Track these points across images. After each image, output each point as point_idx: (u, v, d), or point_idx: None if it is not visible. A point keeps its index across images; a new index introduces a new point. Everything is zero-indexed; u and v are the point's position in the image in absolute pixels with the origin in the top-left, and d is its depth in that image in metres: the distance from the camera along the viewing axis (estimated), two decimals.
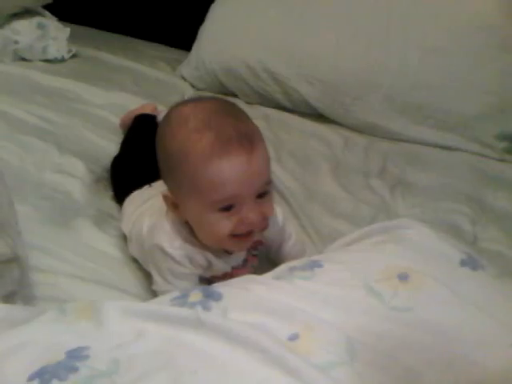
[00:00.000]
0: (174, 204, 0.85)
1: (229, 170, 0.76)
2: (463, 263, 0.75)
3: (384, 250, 0.77)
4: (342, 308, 0.65)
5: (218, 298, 0.66)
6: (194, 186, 0.79)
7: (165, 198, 0.86)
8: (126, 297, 0.88)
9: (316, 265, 0.74)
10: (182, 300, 0.67)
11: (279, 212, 0.94)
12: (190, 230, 0.85)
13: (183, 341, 0.60)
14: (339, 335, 0.60)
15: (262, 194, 0.81)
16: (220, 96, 1.70)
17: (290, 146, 1.52)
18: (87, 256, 1.01)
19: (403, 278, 0.70)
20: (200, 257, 0.85)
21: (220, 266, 0.88)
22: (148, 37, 2.07)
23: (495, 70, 1.57)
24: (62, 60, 1.77)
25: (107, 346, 0.59)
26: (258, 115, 1.65)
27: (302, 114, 1.68)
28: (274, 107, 1.71)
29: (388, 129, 1.62)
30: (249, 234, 0.81)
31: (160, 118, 1.28)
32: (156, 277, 0.86)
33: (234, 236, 0.81)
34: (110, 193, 1.20)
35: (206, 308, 0.65)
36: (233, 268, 0.90)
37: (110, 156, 1.27)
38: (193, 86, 1.77)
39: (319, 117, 1.67)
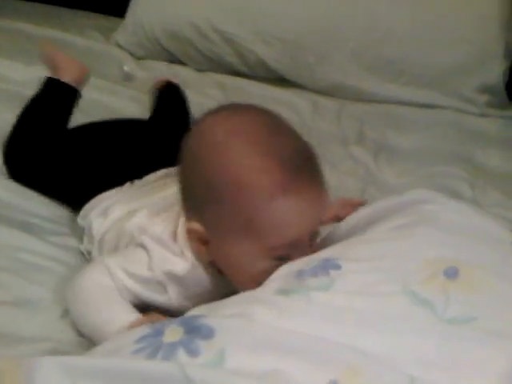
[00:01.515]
0: (202, 240, 0.65)
1: (297, 208, 0.60)
2: None
3: (415, 237, 0.58)
4: (386, 331, 0.46)
5: (207, 334, 0.45)
6: (249, 228, 0.61)
7: (190, 231, 0.65)
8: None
9: (331, 265, 0.54)
10: (154, 340, 0.46)
11: None
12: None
13: None
14: (397, 377, 0.41)
15: (315, 234, 0.66)
16: (166, 63, 1.52)
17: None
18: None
19: (452, 274, 0.52)
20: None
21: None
22: (74, 5, 1.82)
23: (472, 14, 1.45)
24: None
25: None
26: (212, 84, 1.50)
27: (262, 79, 1.53)
28: (228, 73, 1.54)
29: (359, 89, 1.50)
30: None
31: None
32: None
33: None
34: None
35: (193, 352, 0.44)
36: None
37: None
38: (131, 55, 1.56)
39: (281, 81, 1.52)
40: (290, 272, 0.56)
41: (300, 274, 0.55)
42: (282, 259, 0.60)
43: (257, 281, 0.59)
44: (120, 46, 1.57)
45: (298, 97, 1.45)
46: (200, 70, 1.52)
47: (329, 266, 0.55)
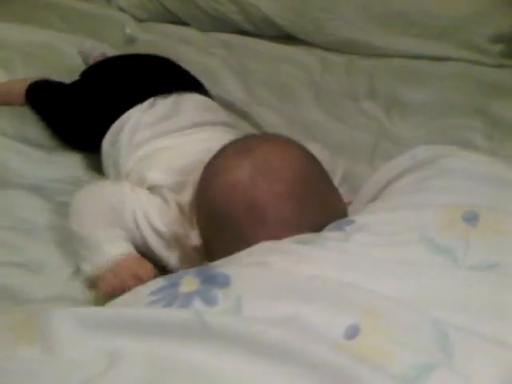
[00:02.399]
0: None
1: None
2: None
3: (432, 188, 0.56)
4: (404, 275, 0.44)
5: (223, 283, 0.44)
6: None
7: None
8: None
9: (344, 223, 0.53)
10: (170, 292, 0.45)
11: None
12: None
13: (182, 361, 0.38)
14: (419, 317, 0.39)
15: None
16: (169, 25, 1.48)
17: (260, 75, 1.33)
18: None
19: (471, 219, 0.50)
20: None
21: None
22: None
23: None
24: None
25: None
26: (217, 43, 1.46)
27: (267, 37, 1.47)
28: (233, 32, 1.48)
29: (368, 43, 1.44)
30: None
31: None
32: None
33: None
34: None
35: (209, 301, 0.43)
36: None
37: None
38: (134, 18, 1.51)
39: (288, 38, 1.47)
40: None
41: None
42: None
43: None
44: (122, 9, 1.53)
45: (305, 54, 1.40)
46: (204, 30, 1.47)
47: (343, 223, 0.53)
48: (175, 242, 0.68)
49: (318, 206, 0.58)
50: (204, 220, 0.63)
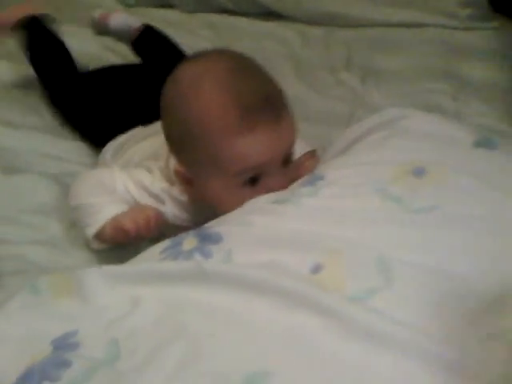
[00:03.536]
0: (187, 180, 0.74)
1: (256, 142, 0.67)
2: (477, 144, 0.67)
3: (388, 147, 0.67)
4: (361, 221, 0.56)
5: (216, 240, 0.56)
6: (216, 161, 0.69)
7: (176, 173, 0.74)
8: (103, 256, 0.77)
9: (316, 178, 0.64)
10: (175, 250, 0.57)
11: None
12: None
13: (189, 301, 0.50)
14: (369, 255, 0.51)
15: (288, 157, 0.72)
16: (156, 9, 1.55)
17: (245, 52, 1.37)
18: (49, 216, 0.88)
19: (419, 172, 0.61)
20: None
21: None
22: None
23: None
24: None
25: (99, 325, 0.49)
26: (203, 24, 1.53)
27: (250, 15, 1.55)
28: (217, 12, 1.55)
29: (344, 15, 1.51)
30: None
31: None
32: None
33: None
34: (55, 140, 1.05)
35: (206, 254, 0.54)
36: None
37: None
38: (122, 3, 1.57)
39: (269, 15, 1.54)
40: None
41: (292, 188, 0.65)
42: (252, 182, 0.69)
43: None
44: None
45: (285, 28, 1.47)
46: (189, 12, 1.55)
47: (314, 178, 0.65)
48: (167, 195, 0.76)
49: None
50: (177, 143, 0.72)
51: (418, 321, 0.46)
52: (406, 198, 0.58)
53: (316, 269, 0.51)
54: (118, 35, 1.19)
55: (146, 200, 0.76)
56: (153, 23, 1.47)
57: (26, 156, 1.01)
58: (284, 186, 0.69)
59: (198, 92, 0.68)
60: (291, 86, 1.25)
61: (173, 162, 0.76)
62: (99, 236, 0.75)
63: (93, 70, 1.10)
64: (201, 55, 0.74)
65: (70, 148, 1.05)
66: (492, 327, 0.46)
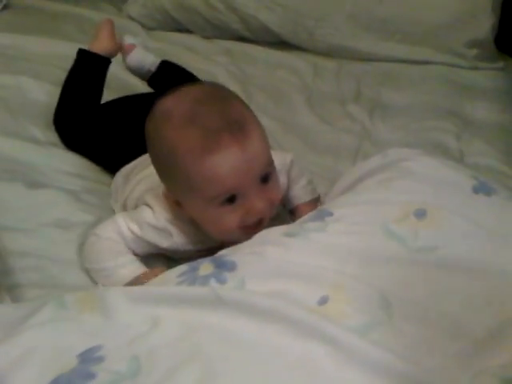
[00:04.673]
0: (176, 202, 0.78)
1: (222, 164, 0.70)
2: (476, 190, 0.71)
3: (393, 188, 0.72)
4: (366, 259, 0.61)
5: (231, 267, 0.61)
6: (190, 185, 0.73)
7: (166, 196, 0.79)
8: None
9: (325, 213, 0.69)
10: (192, 274, 0.61)
11: (279, 155, 0.88)
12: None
13: (205, 324, 0.54)
14: (371, 291, 0.56)
15: (266, 178, 0.75)
16: (175, 33, 1.61)
17: (259, 80, 1.45)
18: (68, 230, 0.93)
19: (420, 215, 0.66)
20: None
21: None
22: None
23: None
24: None
25: (122, 341, 0.53)
26: (219, 50, 1.58)
27: (265, 44, 1.61)
28: (233, 39, 1.61)
29: (356, 49, 1.56)
30: (259, 222, 0.75)
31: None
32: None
33: (244, 227, 0.75)
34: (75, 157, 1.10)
35: (221, 281, 0.59)
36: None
37: None
38: (143, 26, 1.64)
39: (283, 44, 1.60)
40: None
41: (301, 222, 0.70)
42: (230, 202, 0.72)
43: (225, 230, 0.74)
44: (131, 18, 1.65)
45: (299, 59, 1.53)
46: (207, 38, 1.61)
47: (324, 214, 0.70)
48: (173, 226, 0.80)
49: None
50: (163, 171, 0.77)
51: (413, 355, 0.50)
52: (408, 238, 0.63)
53: (322, 301, 0.55)
54: (134, 73, 1.24)
55: (153, 236, 0.80)
56: (172, 47, 1.54)
57: (47, 172, 1.05)
58: (263, 207, 0.72)
59: (167, 124, 0.73)
60: (302, 116, 1.31)
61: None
62: None
63: (108, 101, 1.14)
64: (176, 89, 0.78)
65: (88, 166, 1.10)
66: (483, 365, 0.50)
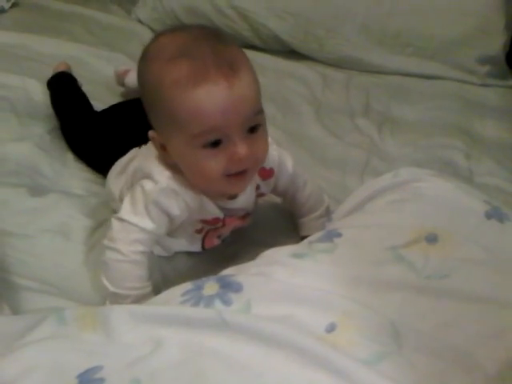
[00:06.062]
0: (161, 145, 0.76)
1: (207, 98, 0.68)
2: (489, 215, 0.70)
3: (404, 210, 0.70)
4: (375, 285, 0.59)
5: (237, 289, 0.59)
6: (172, 119, 0.71)
7: (152, 138, 0.78)
8: None
9: (334, 234, 0.67)
10: (196, 293, 0.60)
11: (288, 158, 0.88)
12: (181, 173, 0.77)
13: (208, 348, 0.53)
14: (380, 318, 0.54)
15: (253, 128, 0.73)
16: None
17: (268, 90, 1.39)
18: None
19: (432, 240, 0.65)
20: (190, 195, 0.78)
21: (212, 210, 0.81)
22: None
23: None
24: (3, 11, 1.58)
25: (122, 362, 0.52)
26: None
27: (274, 52, 1.59)
28: (243, 47, 1.55)
29: (366, 61, 1.55)
30: (242, 173, 0.73)
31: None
32: (126, 204, 0.78)
33: (226, 176, 0.73)
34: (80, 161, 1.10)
35: (227, 302, 0.57)
36: (225, 216, 0.83)
37: None
38: (152, 30, 1.62)
39: (292, 53, 1.59)
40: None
41: (310, 242, 0.68)
42: (213, 146, 0.70)
43: (207, 176, 0.72)
44: (140, 22, 1.64)
45: (308, 69, 1.51)
46: None
47: (332, 234, 0.68)
48: (175, 183, 0.76)
49: None
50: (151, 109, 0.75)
51: None
52: (418, 264, 0.61)
53: (330, 328, 0.54)
54: (134, 92, 1.24)
55: (164, 201, 0.76)
56: None
57: (52, 176, 1.05)
58: (246, 154, 0.70)
59: (159, 57, 0.72)
60: (310, 128, 1.30)
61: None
62: None
63: (105, 108, 1.15)
64: (173, 28, 0.77)
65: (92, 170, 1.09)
66: None
